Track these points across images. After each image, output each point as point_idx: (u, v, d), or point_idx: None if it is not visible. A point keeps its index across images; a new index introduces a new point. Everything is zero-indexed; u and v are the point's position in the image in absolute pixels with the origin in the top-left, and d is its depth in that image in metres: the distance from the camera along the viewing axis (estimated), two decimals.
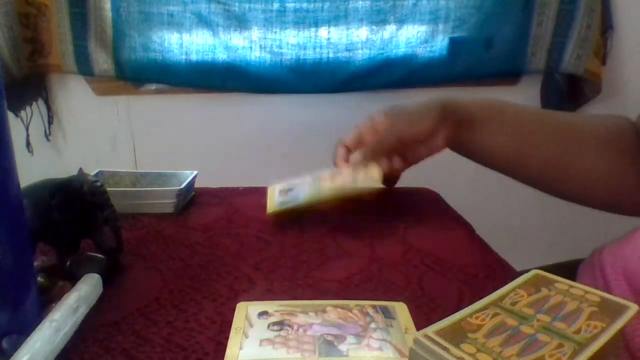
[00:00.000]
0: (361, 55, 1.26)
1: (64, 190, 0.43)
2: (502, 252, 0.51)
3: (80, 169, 0.46)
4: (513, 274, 0.46)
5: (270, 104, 1.32)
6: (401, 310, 0.38)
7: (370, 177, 0.57)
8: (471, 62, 1.26)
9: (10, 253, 0.32)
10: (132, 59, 1.25)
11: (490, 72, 1.28)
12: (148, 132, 1.36)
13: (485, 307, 0.32)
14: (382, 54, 1.26)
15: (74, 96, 1.33)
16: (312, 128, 1.33)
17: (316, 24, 1.24)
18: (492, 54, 1.26)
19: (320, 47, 1.25)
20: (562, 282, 0.35)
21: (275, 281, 0.44)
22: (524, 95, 1.33)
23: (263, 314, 0.38)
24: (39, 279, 0.39)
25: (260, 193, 0.67)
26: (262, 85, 1.28)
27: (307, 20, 1.23)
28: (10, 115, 1.26)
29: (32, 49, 1.23)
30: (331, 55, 1.26)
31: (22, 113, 1.29)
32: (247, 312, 0.38)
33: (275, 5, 1.22)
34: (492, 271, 0.46)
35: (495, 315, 0.31)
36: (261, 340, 0.34)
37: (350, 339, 0.35)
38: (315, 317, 0.37)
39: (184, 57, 1.26)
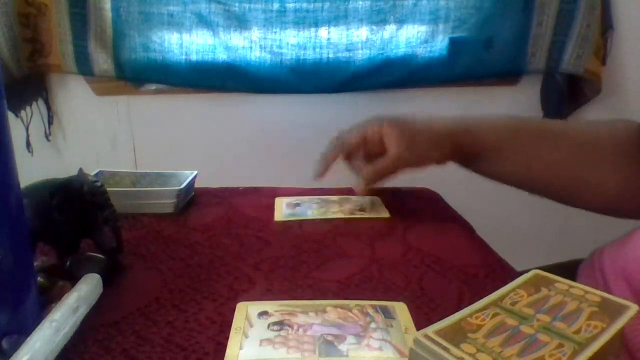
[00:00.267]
0: (361, 55, 1.26)
1: (64, 190, 0.43)
2: (502, 252, 0.51)
3: (80, 169, 0.46)
4: (513, 274, 0.46)
5: (270, 104, 1.32)
6: (401, 310, 0.38)
7: (377, 206, 0.59)
8: (471, 62, 1.26)
9: (10, 253, 0.32)
10: (132, 59, 1.25)
11: (490, 72, 1.28)
12: (148, 132, 1.36)
13: (485, 307, 0.32)
14: (382, 54, 1.26)
15: (74, 96, 1.33)
16: (312, 128, 1.33)
17: (316, 24, 1.23)
18: (492, 54, 1.25)
19: (320, 47, 1.25)
20: (562, 282, 0.35)
21: (275, 281, 0.44)
22: (524, 95, 1.33)
23: (263, 314, 0.38)
24: (39, 279, 0.39)
25: (260, 193, 0.67)
26: (262, 85, 1.28)
27: (307, 20, 1.23)
28: (10, 115, 1.26)
29: (32, 49, 1.23)
30: (331, 55, 1.26)
31: (22, 113, 1.29)
32: (247, 312, 0.38)
33: (275, 5, 1.22)
34: (492, 271, 0.46)
35: (495, 315, 0.31)
36: (261, 340, 0.34)
37: (350, 339, 0.35)
38: (315, 317, 0.37)
39: (184, 57, 1.26)
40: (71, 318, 0.36)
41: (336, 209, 0.60)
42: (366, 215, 0.58)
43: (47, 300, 0.37)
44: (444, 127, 0.59)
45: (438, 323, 0.30)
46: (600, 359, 0.28)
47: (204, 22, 1.23)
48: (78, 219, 0.44)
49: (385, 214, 0.58)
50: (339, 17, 1.23)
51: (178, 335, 0.36)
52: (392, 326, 0.36)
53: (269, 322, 0.36)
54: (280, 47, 1.25)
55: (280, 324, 0.36)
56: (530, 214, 1.35)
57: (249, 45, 1.25)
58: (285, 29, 1.24)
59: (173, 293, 0.42)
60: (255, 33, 1.24)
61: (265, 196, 0.65)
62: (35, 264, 0.42)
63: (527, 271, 0.37)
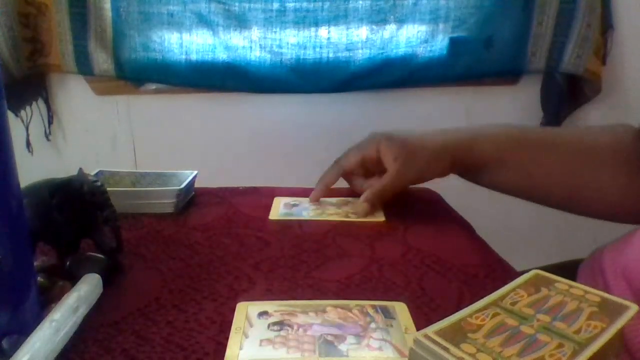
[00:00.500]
0: (361, 55, 1.26)
1: (64, 190, 0.43)
2: (502, 252, 0.51)
3: (80, 169, 0.46)
4: (513, 274, 0.46)
5: (270, 104, 1.32)
6: (401, 310, 0.38)
7: (374, 211, 0.60)
8: (471, 62, 1.26)
9: (10, 253, 0.32)
10: (132, 58, 1.25)
11: (490, 72, 1.28)
12: (148, 132, 1.36)
13: (485, 307, 0.32)
14: (382, 53, 1.26)
15: (74, 96, 1.33)
16: (312, 128, 1.33)
17: (316, 23, 1.23)
18: (492, 53, 1.26)
19: (320, 47, 1.25)
20: (562, 282, 0.35)
21: (275, 281, 0.44)
22: (524, 95, 1.33)
23: (263, 314, 0.38)
24: (39, 279, 0.39)
25: (260, 193, 0.67)
26: (262, 85, 1.28)
27: (307, 20, 1.23)
28: (10, 115, 1.26)
29: (32, 49, 1.23)
30: (331, 55, 1.26)
31: (22, 113, 1.29)
32: (247, 312, 0.38)
33: (275, 5, 1.22)
34: (492, 271, 0.46)
35: (495, 315, 0.31)
36: (261, 340, 0.34)
37: (350, 339, 0.35)
38: (315, 317, 0.37)
39: (184, 57, 1.26)
40: (71, 318, 0.36)
41: (332, 211, 0.60)
42: (361, 218, 0.58)
43: (47, 300, 0.37)
44: (443, 141, 0.59)
45: (438, 323, 0.30)
46: (600, 359, 0.28)
47: (204, 21, 1.23)
48: (78, 219, 0.44)
49: (380, 217, 0.58)
50: (339, 17, 1.23)
51: (178, 335, 0.36)
52: (392, 326, 0.36)
53: (269, 322, 0.36)
54: (280, 46, 1.25)
55: (280, 324, 0.36)
56: (530, 214, 1.34)
57: (249, 45, 1.25)
58: (285, 28, 1.24)
59: (173, 293, 0.42)
60: (255, 33, 1.24)
61: (265, 196, 0.65)
62: (35, 264, 0.42)
63: (527, 271, 0.37)
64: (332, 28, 1.24)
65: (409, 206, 0.63)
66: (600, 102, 1.29)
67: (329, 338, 0.35)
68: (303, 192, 0.66)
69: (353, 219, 0.58)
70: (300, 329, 0.36)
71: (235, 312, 0.38)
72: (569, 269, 0.56)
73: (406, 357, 0.32)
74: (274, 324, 0.36)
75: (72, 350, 0.34)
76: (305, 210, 0.60)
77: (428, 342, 0.29)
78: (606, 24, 1.23)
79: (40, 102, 1.31)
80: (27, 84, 1.26)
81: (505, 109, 1.35)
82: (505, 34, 1.24)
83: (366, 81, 1.28)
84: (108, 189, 0.46)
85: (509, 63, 1.27)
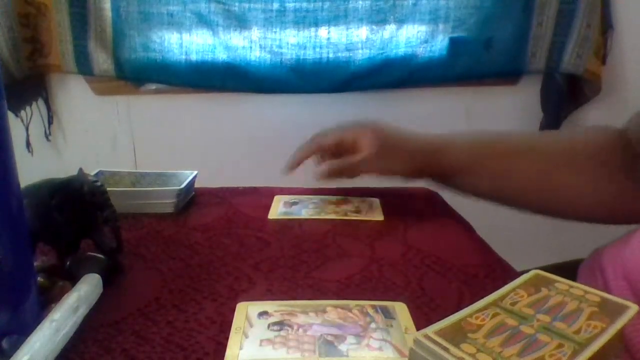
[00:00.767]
0: (361, 55, 1.26)
1: (64, 190, 0.43)
2: (502, 252, 0.51)
3: (80, 169, 0.46)
4: (513, 274, 0.46)
5: (270, 104, 1.32)
6: (401, 310, 0.38)
7: (373, 208, 0.60)
8: (471, 62, 1.26)
9: (10, 253, 0.32)
10: (132, 58, 1.25)
11: (490, 72, 1.28)
12: (148, 132, 1.36)
13: (485, 307, 0.32)
14: (382, 54, 1.26)
15: (74, 96, 1.33)
16: (312, 128, 1.32)
17: (316, 24, 1.23)
18: (492, 54, 1.25)
19: (320, 47, 1.25)
20: (562, 282, 0.35)
21: (275, 281, 0.44)
22: (524, 95, 1.33)
23: (263, 314, 0.38)
24: (39, 279, 0.39)
25: (260, 193, 0.67)
26: (262, 85, 1.28)
27: (307, 20, 1.23)
28: (10, 115, 1.26)
29: (32, 49, 1.23)
30: (331, 55, 1.26)
31: (22, 113, 1.29)
32: (247, 312, 0.38)
33: (275, 5, 1.22)
34: (492, 271, 0.46)
35: (495, 315, 0.31)
36: (261, 341, 0.34)
37: (350, 339, 0.35)
38: (315, 317, 0.37)
39: (184, 57, 1.26)
40: (71, 318, 0.36)
41: (331, 210, 0.60)
42: (360, 217, 0.58)
43: (47, 300, 0.37)
44: (417, 144, 0.60)
45: (438, 323, 0.30)
46: (600, 359, 0.28)
47: (203, 21, 1.23)
48: (78, 219, 0.44)
49: (379, 216, 0.58)
50: (339, 17, 1.23)
51: (178, 335, 0.36)
52: (392, 326, 0.36)
53: (269, 322, 0.36)
54: (280, 46, 1.25)
55: (280, 324, 0.36)
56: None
57: (249, 45, 1.25)
58: (285, 28, 1.24)
59: (173, 293, 0.42)
60: (255, 33, 1.24)
61: (265, 196, 0.65)
62: (35, 264, 0.42)
63: (527, 271, 0.37)
64: (332, 28, 1.24)
65: (409, 206, 0.63)
66: (600, 102, 1.29)
67: (329, 338, 0.35)
68: (303, 192, 0.66)
69: (352, 217, 0.58)
70: (300, 329, 0.36)
71: (235, 312, 0.38)
72: (569, 269, 0.56)
73: (406, 357, 0.32)
74: (274, 324, 0.36)
75: (72, 350, 0.34)
76: (305, 209, 0.60)
77: (428, 342, 0.29)
78: (606, 24, 1.23)
79: (40, 102, 1.31)
80: (27, 84, 1.26)
81: (505, 109, 1.35)
82: (505, 34, 1.24)
83: (366, 81, 1.28)
84: (108, 189, 0.46)
85: (509, 63, 1.27)
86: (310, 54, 1.26)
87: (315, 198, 0.64)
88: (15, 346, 0.31)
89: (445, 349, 0.28)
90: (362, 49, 1.26)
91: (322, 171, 0.58)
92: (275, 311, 0.38)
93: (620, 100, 1.30)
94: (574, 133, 0.63)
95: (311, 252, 0.50)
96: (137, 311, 0.39)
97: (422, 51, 1.26)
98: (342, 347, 0.34)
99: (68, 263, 0.43)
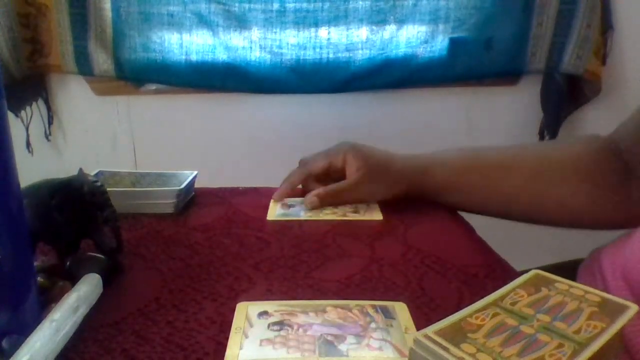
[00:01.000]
0: (361, 55, 1.26)
1: (64, 190, 0.43)
2: (502, 252, 0.51)
3: (80, 169, 0.46)
4: (513, 274, 0.46)
5: (270, 104, 1.32)
6: (401, 310, 0.38)
7: (372, 208, 0.61)
8: (471, 62, 1.26)
9: (10, 253, 0.32)
10: (132, 59, 1.25)
11: (490, 72, 1.28)
12: (148, 132, 1.36)
13: (485, 307, 0.32)
14: (382, 54, 1.26)
15: (74, 96, 1.33)
16: (312, 128, 1.33)
17: (316, 24, 1.23)
18: (492, 54, 1.26)
19: (320, 47, 1.25)
20: (562, 282, 0.35)
21: (275, 281, 0.44)
22: (524, 95, 1.33)
23: (263, 314, 0.38)
24: (39, 279, 0.39)
25: (260, 193, 0.67)
26: (262, 85, 1.28)
27: (307, 20, 1.23)
28: (10, 115, 1.26)
29: (32, 49, 1.23)
30: (331, 55, 1.26)
31: (22, 113, 1.29)
32: (247, 312, 0.38)
33: (275, 5, 1.22)
34: (492, 271, 0.46)
35: (495, 315, 0.31)
36: (261, 340, 0.34)
37: (350, 339, 0.35)
38: (315, 317, 0.37)
39: (184, 57, 1.26)
40: (71, 318, 0.36)
41: (329, 211, 0.60)
42: (359, 217, 0.58)
43: (47, 300, 0.37)
44: (402, 166, 0.61)
45: (438, 323, 0.30)
46: (600, 359, 0.28)
47: (204, 22, 1.23)
48: (78, 219, 0.44)
49: (378, 216, 0.58)
50: (339, 17, 1.23)
51: (178, 335, 0.36)
52: (392, 326, 0.36)
53: (269, 322, 0.36)
54: (280, 47, 1.25)
55: (280, 324, 0.36)
56: None
57: (249, 45, 1.25)
58: (285, 29, 1.24)
59: (173, 293, 0.42)
60: (255, 33, 1.24)
61: (265, 196, 0.65)
62: (35, 264, 0.42)
63: (527, 271, 0.37)
64: (332, 28, 1.24)
65: (409, 206, 0.63)
66: (600, 102, 1.29)
67: (329, 338, 0.35)
68: (302, 193, 0.66)
69: (351, 217, 0.58)
70: (300, 329, 0.36)
71: (235, 312, 0.38)
72: (569, 269, 0.56)
73: (406, 357, 0.32)
74: (274, 324, 0.36)
75: (72, 350, 0.34)
76: (303, 210, 0.60)
77: (428, 342, 0.29)
78: (606, 24, 1.23)
79: (40, 103, 1.31)
80: (27, 84, 1.26)
81: (505, 110, 1.35)
82: (505, 34, 1.24)
83: (366, 82, 1.28)
84: (108, 189, 0.46)
85: (509, 63, 1.27)
86: (310, 54, 1.26)
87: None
88: (15, 346, 0.31)
89: (445, 349, 0.28)
90: (362, 49, 1.26)
91: (312, 201, 0.60)
92: (275, 311, 0.38)
93: (620, 101, 1.30)
94: (561, 143, 0.64)
95: (311, 252, 0.50)
96: (137, 311, 0.39)
97: (422, 51, 1.26)
98: (342, 347, 0.34)
99: (68, 263, 0.43)
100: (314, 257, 0.49)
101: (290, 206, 0.62)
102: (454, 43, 1.26)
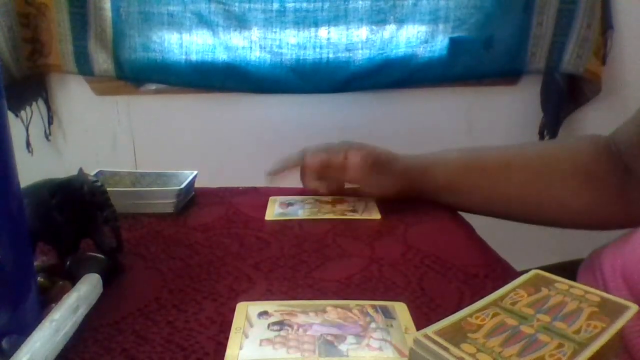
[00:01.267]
0: (361, 55, 1.26)
1: (64, 190, 0.43)
2: (502, 252, 0.51)
3: (80, 169, 0.46)
4: (513, 274, 0.46)
5: (270, 104, 1.32)
6: (401, 310, 0.38)
7: (370, 208, 0.61)
8: (471, 62, 1.26)
9: (10, 253, 0.32)
10: (132, 59, 1.25)
11: (490, 72, 1.28)
12: (148, 132, 1.36)
13: (485, 307, 0.32)
14: (382, 54, 1.26)
15: (74, 96, 1.33)
16: (312, 128, 1.33)
17: (316, 24, 1.23)
18: (492, 54, 1.26)
19: (320, 47, 1.25)
20: (562, 282, 0.35)
21: (275, 281, 0.44)
22: (524, 95, 1.33)
23: (263, 314, 0.38)
24: (39, 279, 0.39)
25: (260, 193, 0.67)
26: (262, 85, 1.28)
27: (307, 20, 1.23)
28: (10, 115, 1.26)
29: (32, 49, 1.23)
30: (331, 55, 1.26)
31: (22, 113, 1.29)
32: (247, 312, 0.38)
33: (275, 5, 1.22)
34: (492, 271, 0.46)
35: (495, 315, 0.31)
36: (261, 341, 0.34)
37: (350, 339, 0.35)
38: (315, 317, 0.37)
39: (184, 57, 1.26)
40: (71, 318, 0.36)
41: (327, 210, 0.60)
42: (357, 216, 0.58)
43: (47, 300, 0.37)
44: (404, 164, 0.61)
45: (438, 323, 0.30)
46: (600, 359, 0.28)
47: (204, 22, 1.23)
48: (78, 219, 0.44)
49: (376, 215, 0.59)
50: (339, 17, 1.23)
51: (178, 335, 0.36)
52: (392, 326, 0.36)
53: (269, 322, 0.36)
54: (280, 47, 1.25)
55: (280, 324, 0.36)
56: None
57: (249, 45, 1.25)
58: (285, 28, 1.24)
59: (173, 293, 0.42)
60: (255, 33, 1.24)
61: (265, 196, 0.65)
62: (35, 264, 0.42)
63: (527, 271, 0.37)
64: (332, 28, 1.24)
65: (409, 206, 0.63)
66: (600, 102, 1.29)
67: (329, 338, 0.35)
68: (301, 192, 0.67)
69: (350, 216, 0.58)
70: (300, 329, 0.36)
71: (235, 312, 0.38)
72: (569, 269, 0.56)
73: (406, 357, 0.32)
74: (274, 324, 0.36)
75: (72, 350, 0.34)
76: (301, 210, 0.60)
77: (428, 342, 0.29)
78: (606, 24, 1.23)
79: (40, 102, 1.31)
80: (27, 84, 1.26)
81: (505, 109, 1.35)
82: (505, 34, 1.24)
83: (366, 81, 1.28)
84: (108, 189, 0.46)
85: (508, 63, 1.27)
86: (310, 54, 1.26)
87: (311, 198, 0.64)
88: (15, 346, 0.31)
89: (445, 349, 0.28)
90: (362, 49, 1.26)
91: (316, 184, 0.61)
92: (275, 311, 0.38)
93: (620, 101, 1.30)
94: (561, 142, 0.64)
95: (311, 252, 0.50)
96: (137, 311, 0.39)
97: (422, 51, 1.26)
98: (342, 347, 0.34)
99: (68, 263, 0.43)
100: (314, 257, 0.49)
101: (288, 205, 0.62)
102: (454, 43, 1.26)
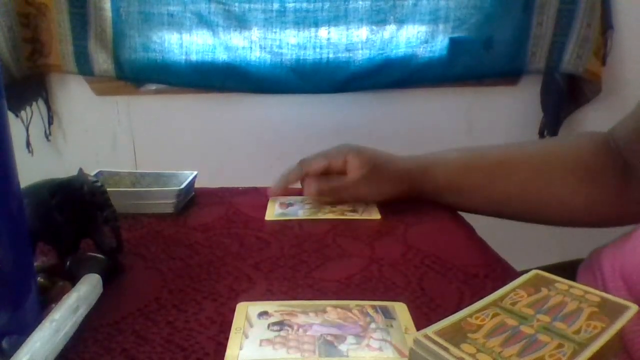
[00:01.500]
0: (361, 55, 1.26)
1: (64, 190, 0.43)
2: (502, 252, 0.51)
3: (80, 169, 0.46)
4: (513, 274, 0.46)
5: (270, 104, 1.32)
6: (401, 310, 0.38)
7: (369, 208, 0.61)
8: (471, 62, 1.26)
9: (10, 253, 0.32)
10: (132, 59, 1.25)
11: (490, 72, 1.28)
12: (148, 132, 1.36)
13: (485, 307, 0.32)
14: (382, 54, 1.26)
15: (74, 96, 1.33)
16: (312, 128, 1.33)
17: (316, 24, 1.23)
18: (492, 54, 1.26)
19: (320, 47, 1.25)
20: (562, 282, 0.35)
21: (275, 281, 0.44)
22: (524, 95, 1.33)
23: (263, 314, 0.38)
24: (39, 279, 0.39)
25: (260, 193, 0.67)
26: (262, 85, 1.28)
27: (307, 20, 1.23)
28: (10, 115, 1.26)
29: (32, 49, 1.23)
30: (331, 55, 1.26)
31: (22, 113, 1.29)
32: (247, 312, 0.38)
33: (275, 5, 1.22)
34: (492, 271, 0.46)
35: (495, 315, 0.31)
36: (261, 341, 0.34)
37: (350, 339, 0.35)
38: (315, 317, 0.37)
39: (184, 57, 1.26)
40: (71, 318, 0.36)
41: (327, 210, 0.60)
42: (357, 216, 0.58)
43: (47, 300, 0.37)
44: (404, 166, 0.61)
45: (438, 323, 0.30)
46: (600, 359, 0.28)
47: (204, 22, 1.23)
48: (78, 219, 0.44)
49: (376, 215, 0.59)
50: (339, 17, 1.23)
51: (178, 335, 0.36)
52: (392, 326, 0.36)
53: (269, 323, 0.36)
54: (280, 47, 1.25)
55: (280, 324, 0.36)
56: None
57: (249, 45, 1.25)
58: (285, 29, 1.24)
59: (173, 293, 0.42)
60: (255, 33, 1.24)
61: (265, 196, 0.65)
62: (35, 264, 0.42)
63: (527, 271, 0.37)
64: (332, 28, 1.24)
65: (409, 206, 0.63)
66: (600, 102, 1.29)
67: (329, 338, 0.35)
68: (300, 192, 0.66)
69: (350, 216, 0.58)
70: (300, 329, 0.36)
71: (235, 312, 0.38)
72: (569, 269, 0.56)
73: (406, 357, 0.32)
74: (274, 324, 0.36)
75: (72, 350, 0.34)
76: (301, 210, 0.60)
77: (428, 342, 0.29)
78: (606, 24, 1.23)
79: (40, 102, 1.31)
80: (27, 84, 1.26)
81: (505, 109, 1.35)
82: (505, 34, 1.24)
83: (366, 81, 1.28)
84: (108, 189, 0.46)
85: (509, 63, 1.27)
86: (310, 54, 1.26)
87: (311, 198, 0.64)
88: (15, 346, 0.31)
89: (445, 349, 0.28)
90: (362, 49, 1.26)
91: (315, 186, 0.60)
92: (275, 311, 0.38)
93: (620, 101, 1.30)
94: (560, 140, 0.64)
95: (311, 252, 0.50)
96: (137, 311, 0.39)
97: (422, 51, 1.26)
98: (342, 347, 0.34)
99: (68, 263, 0.43)
100: (314, 257, 0.49)
101: (288, 205, 0.62)
102: (454, 43, 1.26)
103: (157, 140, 1.36)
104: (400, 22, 1.24)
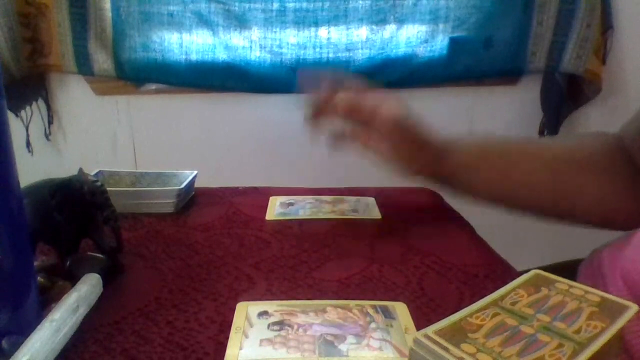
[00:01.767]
0: (361, 55, 1.26)
1: (64, 190, 0.43)
2: (502, 252, 0.51)
3: (80, 169, 0.46)
4: (513, 274, 0.46)
5: (270, 104, 1.32)
6: (401, 310, 0.38)
7: (370, 208, 0.61)
8: (471, 62, 1.26)
9: (10, 253, 0.32)
10: (132, 58, 1.25)
11: (490, 72, 1.28)
12: (148, 132, 1.36)
13: (485, 307, 0.32)
14: (382, 53, 1.26)
15: (74, 96, 1.33)
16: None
17: (316, 23, 1.23)
18: (492, 53, 1.25)
19: (320, 47, 1.25)
20: (562, 282, 0.35)
21: (275, 281, 0.44)
22: (524, 95, 1.33)
23: (263, 314, 0.38)
24: (39, 279, 0.39)
25: (260, 193, 0.67)
26: (262, 85, 1.28)
27: (307, 20, 1.23)
28: (10, 115, 1.26)
29: (32, 49, 1.23)
30: (331, 55, 1.26)
31: (22, 113, 1.29)
32: (247, 312, 0.38)
33: (275, 5, 1.22)
34: (492, 271, 0.46)
35: (495, 315, 0.31)
36: (261, 340, 0.34)
37: (350, 339, 0.35)
38: (315, 317, 0.37)
39: (184, 57, 1.26)
40: (71, 318, 0.36)
41: (328, 210, 0.60)
42: (357, 216, 0.58)
43: (47, 300, 0.37)
44: (429, 136, 0.56)
45: (438, 323, 0.30)
46: (600, 359, 0.28)
47: (204, 21, 1.23)
48: (78, 219, 0.44)
49: (377, 215, 0.59)
50: (339, 17, 1.23)
51: (178, 335, 0.36)
52: (392, 326, 0.36)
53: (269, 322, 0.36)
54: (280, 46, 1.25)
55: (280, 324, 0.36)
56: None
57: (249, 45, 1.25)
58: (285, 28, 1.24)
59: (173, 293, 0.42)
60: (255, 33, 1.24)
61: (265, 196, 0.65)
62: (35, 264, 0.42)
63: (527, 271, 0.37)
64: (332, 28, 1.24)
65: (409, 206, 0.63)
66: (600, 102, 1.29)
67: (329, 338, 0.35)
68: (303, 192, 0.67)
69: (350, 216, 0.58)
70: (300, 329, 0.36)
71: (235, 312, 0.38)
72: (569, 269, 0.55)
73: (406, 357, 0.32)
74: (274, 323, 0.36)
75: (72, 350, 0.34)
76: (302, 209, 0.60)
77: (428, 342, 0.29)
78: (606, 24, 1.23)
79: (40, 102, 1.31)
80: (27, 84, 1.26)
81: (505, 109, 1.35)
82: (505, 34, 1.24)
83: (366, 81, 1.27)
84: (108, 189, 0.46)
85: (509, 63, 1.27)
86: (310, 54, 1.26)
87: (311, 198, 0.64)
88: (15, 346, 0.31)
89: (445, 349, 0.28)
90: (362, 49, 1.26)
91: (337, 132, 0.54)
92: (275, 311, 0.38)
93: (620, 100, 1.30)
94: (572, 138, 0.63)
95: (311, 252, 0.50)
96: (137, 311, 0.39)
97: (422, 51, 1.26)
98: (342, 347, 0.34)
99: (68, 263, 0.43)
100: (314, 257, 0.49)
101: (289, 205, 0.62)
102: (454, 42, 1.26)
103: (157, 140, 1.36)
104: (400, 21, 1.24)
